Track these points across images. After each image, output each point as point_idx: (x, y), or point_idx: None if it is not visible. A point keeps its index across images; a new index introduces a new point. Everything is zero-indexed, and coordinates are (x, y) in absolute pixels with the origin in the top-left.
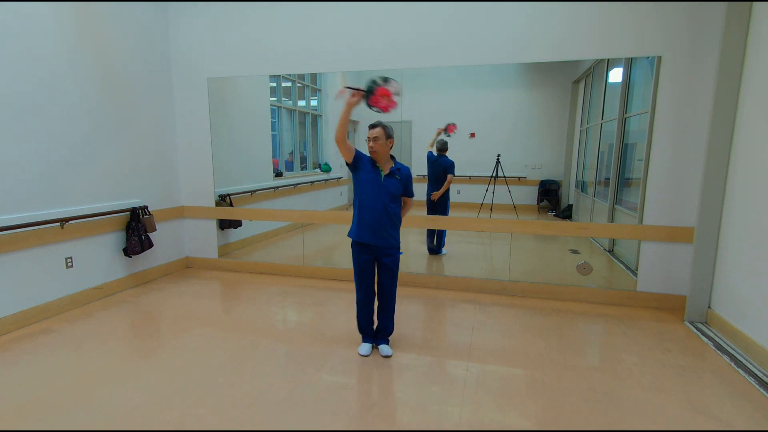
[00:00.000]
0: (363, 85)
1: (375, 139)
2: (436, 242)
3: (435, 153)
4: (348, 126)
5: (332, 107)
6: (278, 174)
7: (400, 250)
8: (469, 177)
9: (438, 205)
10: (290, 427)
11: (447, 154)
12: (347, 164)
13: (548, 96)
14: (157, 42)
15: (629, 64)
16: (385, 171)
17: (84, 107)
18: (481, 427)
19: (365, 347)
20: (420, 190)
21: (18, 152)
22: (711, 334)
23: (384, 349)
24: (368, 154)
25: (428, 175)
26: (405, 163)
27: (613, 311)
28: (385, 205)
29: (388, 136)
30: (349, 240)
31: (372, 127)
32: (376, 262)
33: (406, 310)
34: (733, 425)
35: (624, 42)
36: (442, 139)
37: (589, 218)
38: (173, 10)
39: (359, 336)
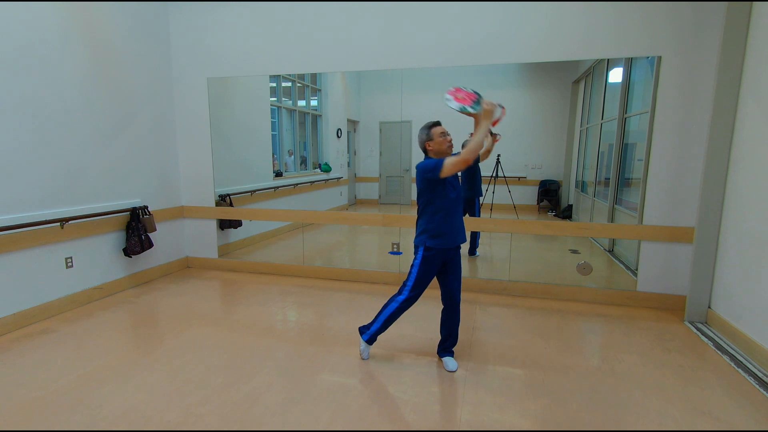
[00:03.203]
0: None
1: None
2: (469, 244)
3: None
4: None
5: (332, 107)
6: (278, 174)
7: (400, 250)
8: None
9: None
10: (290, 427)
11: None
12: (441, 177)
13: (548, 96)
14: (158, 42)
15: (629, 64)
16: None
17: (84, 107)
18: (481, 427)
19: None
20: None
21: (18, 152)
22: (711, 334)
23: (446, 362)
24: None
25: (466, 175)
26: (404, 163)
27: (613, 311)
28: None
29: None
30: (349, 240)
31: (438, 124)
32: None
33: None
34: (733, 425)
35: (624, 42)
36: None
37: (589, 218)
38: (173, 10)
39: (359, 336)
